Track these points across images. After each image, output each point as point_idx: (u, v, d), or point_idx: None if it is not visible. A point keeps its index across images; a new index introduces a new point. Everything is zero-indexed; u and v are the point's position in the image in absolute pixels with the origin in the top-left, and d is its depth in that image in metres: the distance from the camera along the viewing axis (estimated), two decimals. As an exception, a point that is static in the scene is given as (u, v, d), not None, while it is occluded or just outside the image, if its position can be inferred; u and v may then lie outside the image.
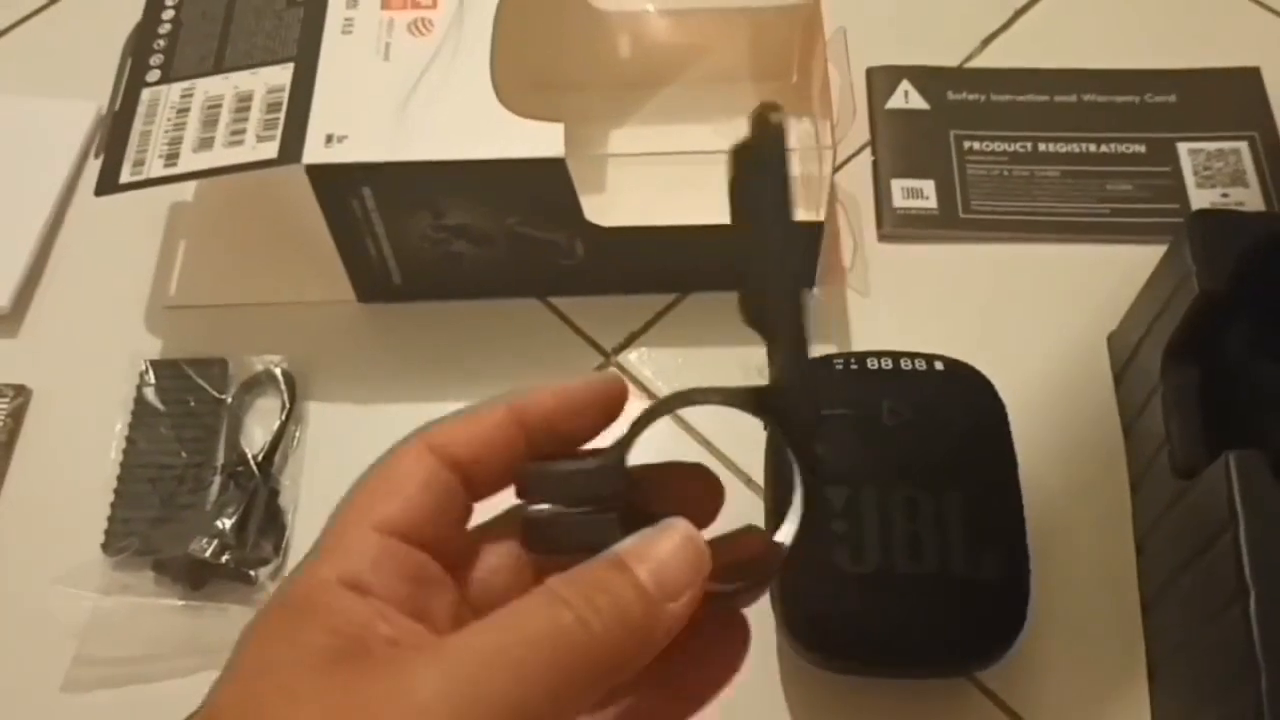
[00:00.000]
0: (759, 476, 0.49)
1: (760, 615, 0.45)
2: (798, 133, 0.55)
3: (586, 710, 0.25)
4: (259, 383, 0.52)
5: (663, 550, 0.26)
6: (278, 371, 0.52)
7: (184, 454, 0.50)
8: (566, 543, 0.27)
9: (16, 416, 0.52)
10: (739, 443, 0.50)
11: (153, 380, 0.51)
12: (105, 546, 0.48)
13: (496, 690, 0.23)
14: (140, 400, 0.51)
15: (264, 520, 0.48)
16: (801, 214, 0.54)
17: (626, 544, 0.26)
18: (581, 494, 0.27)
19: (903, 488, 0.42)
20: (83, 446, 0.51)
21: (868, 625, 0.41)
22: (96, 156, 0.49)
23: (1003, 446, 0.44)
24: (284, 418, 0.51)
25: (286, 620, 0.25)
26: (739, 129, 0.51)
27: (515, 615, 0.24)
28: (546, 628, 0.24)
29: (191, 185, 0.58)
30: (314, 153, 0.47)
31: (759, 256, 0.29)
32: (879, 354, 0.45)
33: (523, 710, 0.23)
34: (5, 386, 0.53)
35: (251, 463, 0.49)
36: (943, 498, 0.42)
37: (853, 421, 0.44)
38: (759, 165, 0.27)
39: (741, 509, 0.48)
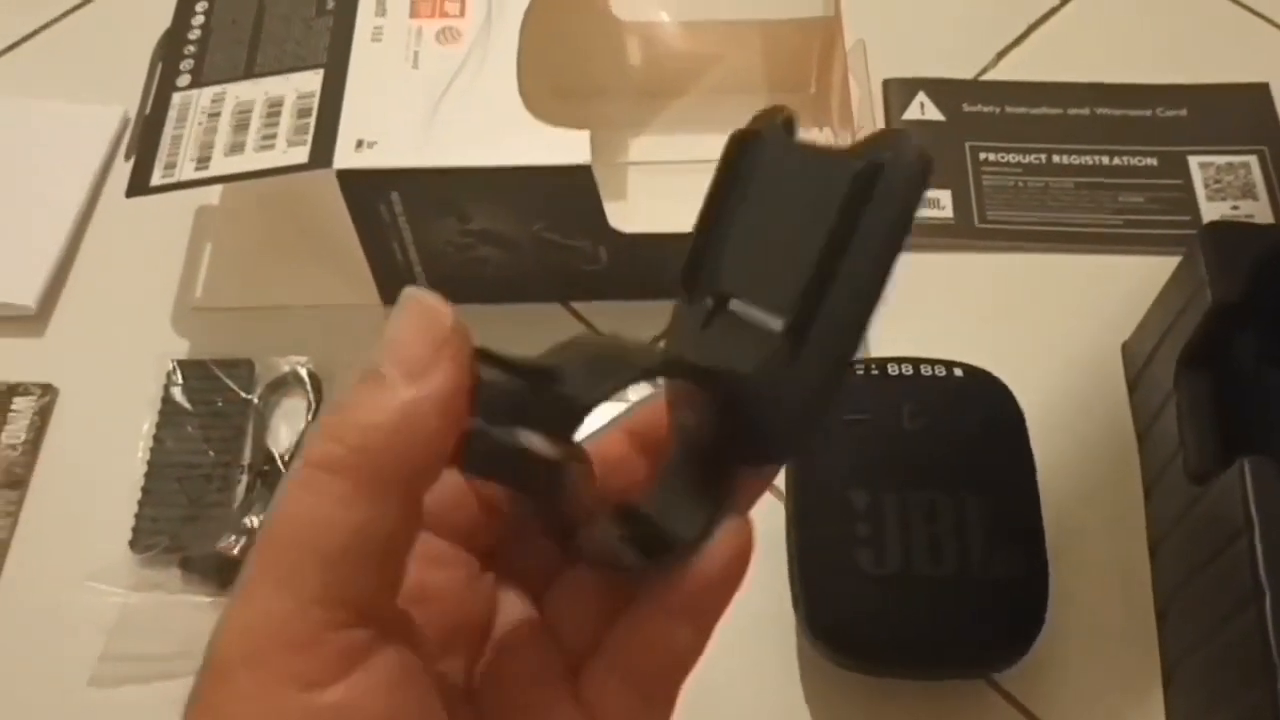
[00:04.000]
0: (776, 480, 0.50)
1: (780, 617, 0.46)
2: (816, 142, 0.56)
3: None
4: (285, 383, 0.53)
5: (393, 329, 0.22)
6: (303, 372, 0.52)
7: (211, 453, 0.51)
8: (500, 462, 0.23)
9: (43, 415, 0.53)
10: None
11: (180, 380, 0.52)
12: (133, 544, 0.49)
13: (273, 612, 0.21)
14: (168, 400, 0.52)
15: (291, 519, 0.49)
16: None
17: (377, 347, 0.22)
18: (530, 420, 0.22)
19: (923, 491, 0.43)
20: (109, 445, 0.52)
21: (890, 626, 0.42)
22: (127, 159, 0.50)
23: (1021, 452, 0.45)
24: (310, 418, 0.51)
25: None
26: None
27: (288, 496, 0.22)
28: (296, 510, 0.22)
29: (217, 189, 0.58)
30: (344, 158, 0.47)
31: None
32: (899, 360, 0.46)
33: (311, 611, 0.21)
34: (32, 385, 0.54)
35: (279, 461, 0.50)
36: (963, 502, 0.43)
37: (874, 426, 0.44)
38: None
39: (759, 512, 0.49)
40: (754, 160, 0.26)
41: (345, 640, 0.22)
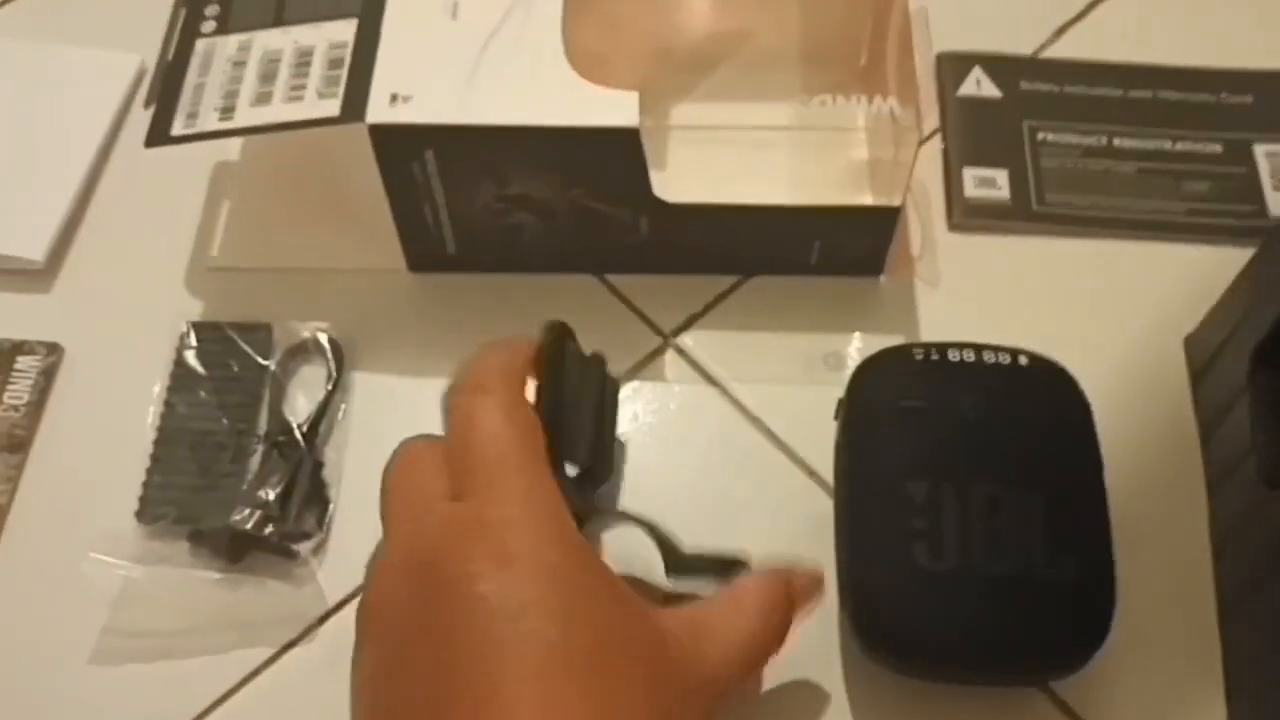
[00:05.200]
0: (820, 468, 0.47)
1: (824, 614, 0.44)
2: (869, 115, 0.53)
3: None
4: (304, 350, 0.50)
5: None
6: (324, 339, 0.50)
7: (225, 420, 0.48)
8: None
9: (48, 375, 0.50)
10: (800, 431, 0.48)
11: (194, 342, 0.50)
12: (140, 514, 0.46)
13: None
14: (180, 363, 0.49)
15: (308, 493, 0.46)
16: (874, 199, 0.52)
17: None
18: None
19: (985, 484, 0.40)
20: (117, 409, 0.49)
21: (945, 626, 0.39)
22: (147, 107, 0.47)
23: (1087, 446, 0.42)
24: (330, 388, 0.49)
25: None
26: (807, 110, 0.49)
27: None
28: None
29: (237, 143, 0.56)
30: (378, 112, 0.45)
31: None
32: (960, 345, 0.44)
33: None
34: (37, 344, 0.51)
35: (297, 432, 0.47)
36: (1027, 497, 0.40)
37: (934, 414, 0.42)
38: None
39: (804, 503, 0.47)
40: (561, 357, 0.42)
41: None
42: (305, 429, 0.47)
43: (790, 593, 0.38)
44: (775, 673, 0.43)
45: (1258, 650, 0.42)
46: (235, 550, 0.45)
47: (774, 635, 0.37)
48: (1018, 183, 0.54)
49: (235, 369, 0.49)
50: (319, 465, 0.47)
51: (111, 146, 0.56)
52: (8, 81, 0.58)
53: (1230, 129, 0.56)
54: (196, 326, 0.50)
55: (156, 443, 0.48)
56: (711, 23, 0.57)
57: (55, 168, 0.55)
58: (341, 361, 0.49)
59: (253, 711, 0.43)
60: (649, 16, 0.56)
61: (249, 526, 0.45)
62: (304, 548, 0.45)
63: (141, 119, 0.47)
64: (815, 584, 0.40)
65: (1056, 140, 0.55)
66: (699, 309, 0.52)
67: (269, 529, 0.45)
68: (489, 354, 0.39)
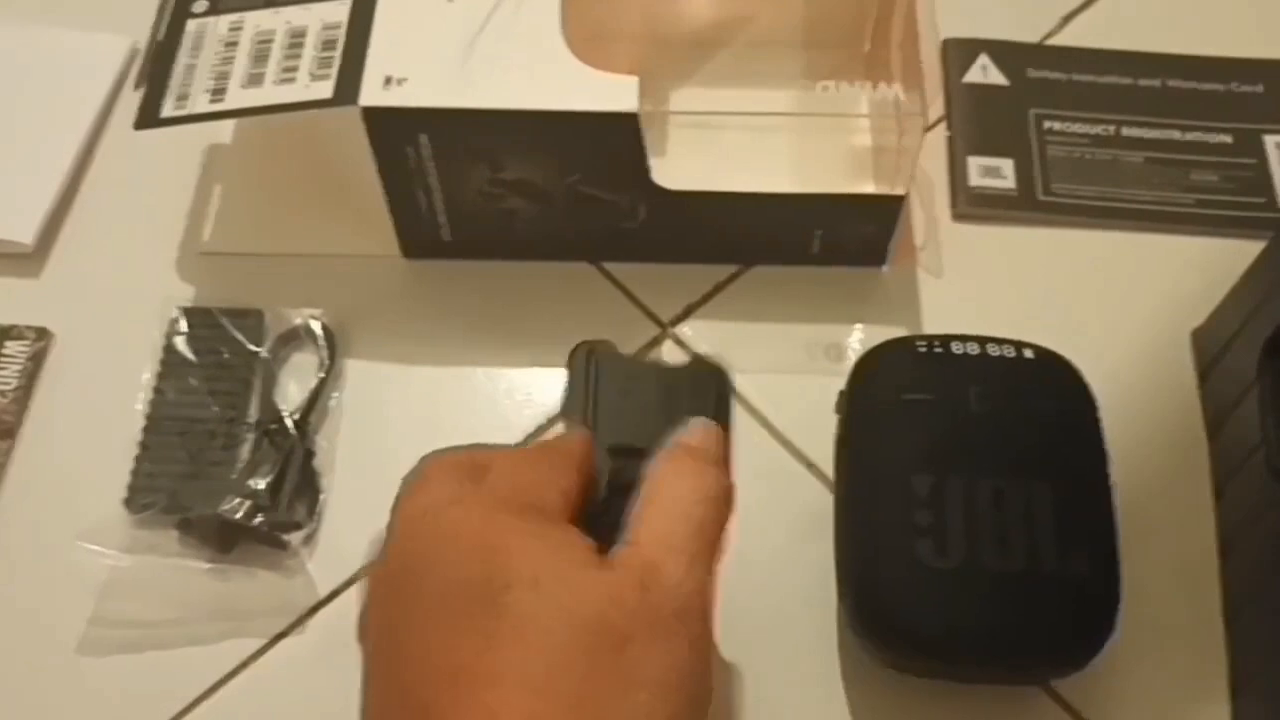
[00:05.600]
0: (820, 460, 0.47)
1: (822, 609, 0.43)
2: (873, 101, 0.52)
3: None
4: (296, 337, 0.49)
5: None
6: (317, 326, 0.49)
7: (215, 407, 0.47)
8: None
9: (37, 360, 0.49)
10: (799, 422, 0.47)
11: (184, 328, 0.49)
12: (128, 502, 0.45)
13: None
14: (170, 349, 0.48)
15: (299, 482, 0.45)
16: (877, 187, 0.51)
17: None
18: None
19: (989, 479, 0.40)
20: (106, 395, 0.48)
21: (949, 623, 0.39)
22: (136, 88, 0.47)
23: (1094, 441, 0.41)
24: (323, 375, 0.48)
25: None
26: (810, 96, 0.48)
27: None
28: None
29: (229, 126, 0.55)
30: (371, 94, 0.44)
31: None
32: (964, 338, 0.43)
33: None
34: (26, 329, 0.50)
35: (288, 420, 0.46)
36: (1033, 492, 0.39)
37: (937, 407, 0.41)
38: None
39: (803, 496, 0.46)
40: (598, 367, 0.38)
41: None
42: (297, 417, 0.47)
43: (704, 467, 0.34)
44: (768, 661, 0.43)
45: (1265, 647, 0.41)
46: (225, 540, 0.44)
47: (713, 528, 0.33)
48: (1023, 172, 0.53)
49: (226, 355, 0.48)
50: (310, 454, 0.46)
51: (102, 129, 0.55)
52: (-3, 64, 0.57)
53: (1240, 119, 0.55)
54: (187, 312, 0.49)
55: (146, 430, 0.47)
56: (712, 6, 0.56)
57: (45, 151, 0.54)
58: (334, 349, 0.49)
59: (242, 703, 0.43)
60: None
61: (239, 516, 0.44)
62: (294, 538, 0.45)
63: (132, 101, 0.47)
64: (716, 435, 0.36)
65: (1063, 129, 0.55)
66: (698, 298, 0.51)
67: (259, 518, 0.44)
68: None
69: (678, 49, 0.56)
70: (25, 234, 0.52)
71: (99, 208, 0.54)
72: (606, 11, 0.54)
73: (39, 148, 0.54)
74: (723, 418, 0.37)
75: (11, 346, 0.49)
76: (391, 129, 0.45)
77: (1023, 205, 0.52)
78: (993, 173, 0.53)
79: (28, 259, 0.52)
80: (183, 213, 0.53)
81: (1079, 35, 0.58)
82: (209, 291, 0.51)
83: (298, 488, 0.45)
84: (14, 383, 0.49)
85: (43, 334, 0.50)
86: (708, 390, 0.38)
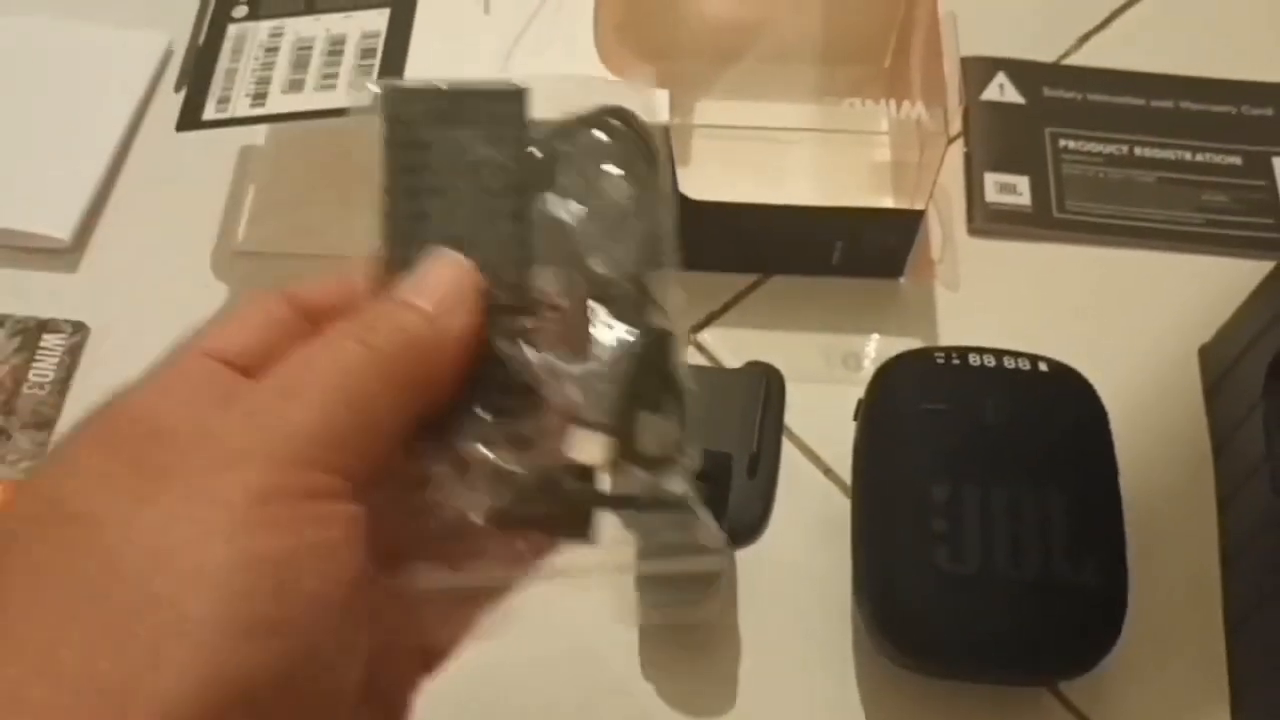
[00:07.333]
0: (838, 467, 0.48)
1: (838, 610, 0.45)
2: (893, 118, 0.54)
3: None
4: (328, 336, 0.50)
5: (430, 274, 0.27)
6: (348, 326, 0.50)
7: (249, 404, 0.48)
8: None
9: (73, 354, 0.51)
10: (817, 430, 0.49)
11: (219, 326, 0.50)
12: (163, 494, 0.46)
13: (300, 422, 0.23)
14: (205, 346, 0.50)
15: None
16: (895, 201, 0.52)
17: (400, 284, 0.26)
18: None
19: (1005, 488, 0.41)
20: (142, 389, 0.49)
21: (963, 627, 0.40)
22: (177, 91, 0.48)
23: (1105, 453, 0.43)
24: (354, 374, 0.49)
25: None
26: (830, 111, 0.49)
27: (304, 358, 0.24)
28: (331, 357, 0.24)
29: (262, 128, 0.56)
30: (410, 102, 0.45)
31: None
32: (981, 350, 0.44)
33: (331, 438, 0.23)
34: (63, 322, 0.51)
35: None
36: (1046, 502, 0.41)
37: (954, 417, 0.42)
38: None
39: (820, 502, 0.47)
40: None
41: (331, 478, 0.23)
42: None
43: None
44: (784, 660, 0.44)
45: (1264, 659, 0.42)
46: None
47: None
48: (1039, 189, 0.54)
49: (259, 353, 0.49)
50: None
51: (138, 126, 0.57)
52: (36, 60, 0.58)
53: (1251, 141, 0.57)
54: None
55: (180, 424, 0.48)
56: (738, 12, 0.57)
57: (82, 147, 0.55)
58: (365, 348, 0.50)
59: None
60: (678, 8, 0.56)
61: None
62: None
63: (168, 99, 0.48)
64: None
65: (1078, 148, 0.56)
66: (719, 306, 0.52)
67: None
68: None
69: (702, 63, 0.57)
70: (63, 229, 0.53)
71: (135, 204, 0.55)
72: (640, 23, 0.55)
73: (76, 144, 0.55)
74: (773, 416, 0.40)
75: (49, 339, 0.51)
76: (428, 136, 0.46)
77: (1038, 222, 0.54)
78: (1009, 189, 0.54)
79: (65, 254, 0.53)
80: (217, 211, 0.54)
81: (1095, 55, 0.60)
82: (242, 289, 0.52)
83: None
84: (51, 375, 0.50)
85: (79, 328, 0.51)
86: (757, 389, 0.40)
